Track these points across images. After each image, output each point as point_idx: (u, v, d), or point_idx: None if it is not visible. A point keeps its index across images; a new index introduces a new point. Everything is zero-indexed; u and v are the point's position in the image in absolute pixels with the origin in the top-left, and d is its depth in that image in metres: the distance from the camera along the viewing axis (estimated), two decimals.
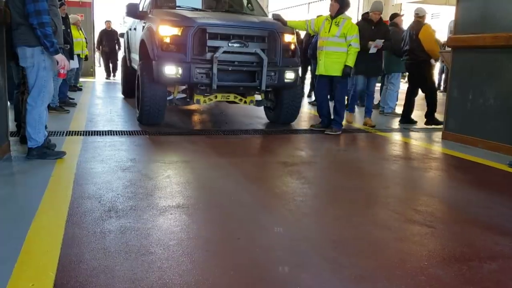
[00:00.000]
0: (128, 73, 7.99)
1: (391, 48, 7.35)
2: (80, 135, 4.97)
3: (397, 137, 5.78)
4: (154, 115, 5.54)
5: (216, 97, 5.70)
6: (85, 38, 9.80)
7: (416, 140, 5.58)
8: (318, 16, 6.21)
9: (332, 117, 5.86)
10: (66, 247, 2.21)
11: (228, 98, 5.82)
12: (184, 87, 5.80)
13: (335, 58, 5.47)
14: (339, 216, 2.87)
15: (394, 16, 8.16)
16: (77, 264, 2.06)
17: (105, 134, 5.02)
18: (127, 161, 3.90)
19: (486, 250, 2.40)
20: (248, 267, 2.11)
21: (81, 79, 10.72)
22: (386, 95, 7.71)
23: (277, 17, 6.04)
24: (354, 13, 16.55)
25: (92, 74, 13.73)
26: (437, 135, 5.70)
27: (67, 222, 2.52)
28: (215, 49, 5.16)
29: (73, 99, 7.63)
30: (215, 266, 2.09)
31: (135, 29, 6.94)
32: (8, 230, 2.40)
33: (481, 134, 4.94)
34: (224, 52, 5.17)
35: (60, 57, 3.60)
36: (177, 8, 6.09)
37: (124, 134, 5.08)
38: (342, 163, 4.39)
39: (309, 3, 21.01)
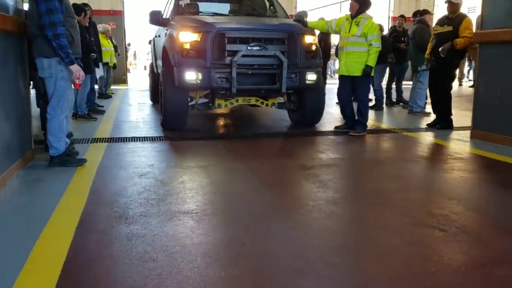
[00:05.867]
0: (156, 79, 8.13)
1: (417, 45, 7.21)
2: (104, 142, 5.08)
3: (423, 137, 5.61)
4: (177, 121, 5.62)
5: (237, 100, 5.71)
6: (115, 46, 10.01)
7: (443, 140, 5.40)
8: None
9: (356, 117, 5.77)
10: (72, 255, 2.25)
11: (250, 102, 5.81)
12: (206, 91, 5.83)
13: (356, 58, 5.38)
14: (350, 220, 2.81)
15: (423, 12, 7.95)
16: (80, 272, 2.09)
17: (128, 141, 5.12)
18: (145, 167, 3.95)
19: (501, 255, 2.29)
20: (249, 274, 2.09)
21: (113, 87, 11.00)
22: (414, 94, 7.52)
23: (298, 18, 6.00)
24: (384, 12, 16.27)
25: (124, 81, 14.05)
26: (466, 134, 5.49)
27: (77, 229, 2.57)
28: (234, 53, 5.17)
29: (102, 106, 7.83)
30: (214, 273, 2.08)
31: (159, 36, 7.06)
32: (18, 238, 2.47)
33: (511, 132, 4.72)
34: (244, 55, 5.17)
35: (75, 67, 3.68)
36: (199, 14, 6.16)
37: (147, 140, 5.16)
38: (363, 165, 4.30)
39: (341, 2, 20.73)
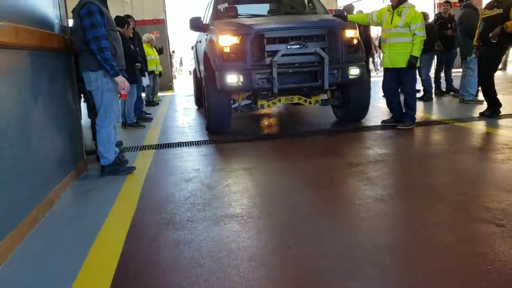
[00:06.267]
0: (199, 84, 8.24)
1: (465, 31, 6.91)
2: (153, 148, 5.21)
3: (476, 126, 5.37)
4: (221, 124, 5.68)
5: (280, 100, 5.70)
6: (159, 51, 10.14)
7: (498, 128, 5.15)
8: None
9: (403, 110, 5.60)
10: (123, 262, 2.32)
11: (292, 100, 5.78)
12: (249, 93, 5.85)
13: (399, 49, 5.23)
14: (398, 218, 2.72)
15: None
16: (131, 279, 2.15)
17: (175, 146, 5.22)
18: (191, 171, 4.02)
19: None
20: (295, 277, 2.07)
21: (159, 94, 11.26)
22: (465, 82, 7.21)
23: (338, 13, 5.92)
24: (430, 1, 15.69)
25: (170, 88, 14.36)
26: None
27: (127, 237, 2.65)
28: (274, 53, 5.15)
29: (150, 114, 8.03)
30: (261, 277, 2.07)
31: (200, 41, 7.16)
32: (73, 247, 2.57)
33: None
34: (284, 55, 5.14)
35: (120, 78, 3.78)
36: (238, 16, 6.19)
37: (193, 145, 5.24)
38: (412, 160, 4.16)
39: None
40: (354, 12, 7.83)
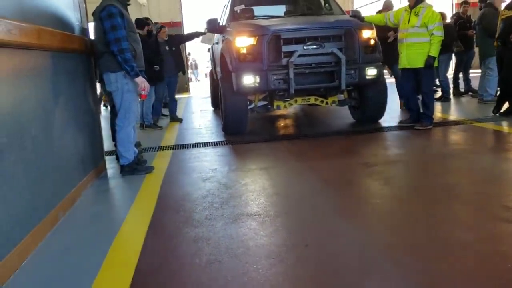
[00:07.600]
0: (216, 86, 8.30)
1: (485, 31, 6.84)
2: (170, 149, 5.26)
3: (496, 127, 5.30)
4: (237, 125, 5.70)
5: (296, 101, 5.71)
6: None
7: None
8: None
9: (421, 110, 5.56)
10: (143, 260, 2.35)
11: (309, 101, 5.78)
12: (265, 94, 5.87)
13: (417, 49, 5.20)
14: (417, 217, 2.71)
15: None
16: (151, 275, 2.18)
17: (192, 147, 5.27)
18: (208, 171, 4.05)
19: None
20: (313, 275, 2.08)
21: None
22: (484, 81, 7.12)
23: (354, 14, 5.92)
24: (448, 1, 15.52)
25: (187, 89, 14.46)
26: None
27: (147, 235, 2.68)
28: (290, 54, 5.16)
29: (167, 115, 8.10)
30: (278, 274, 2.09)
31: (217, 43, 7.21)
32: (94, 245, 2.62)
33: None
34: (300, 55, 5.15)
35: (140, 79, 3.84)
36: (255, 18, 6.22)
37: (209, 146, 5.28)
38: (429, 160, 4.13)
39: None
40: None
